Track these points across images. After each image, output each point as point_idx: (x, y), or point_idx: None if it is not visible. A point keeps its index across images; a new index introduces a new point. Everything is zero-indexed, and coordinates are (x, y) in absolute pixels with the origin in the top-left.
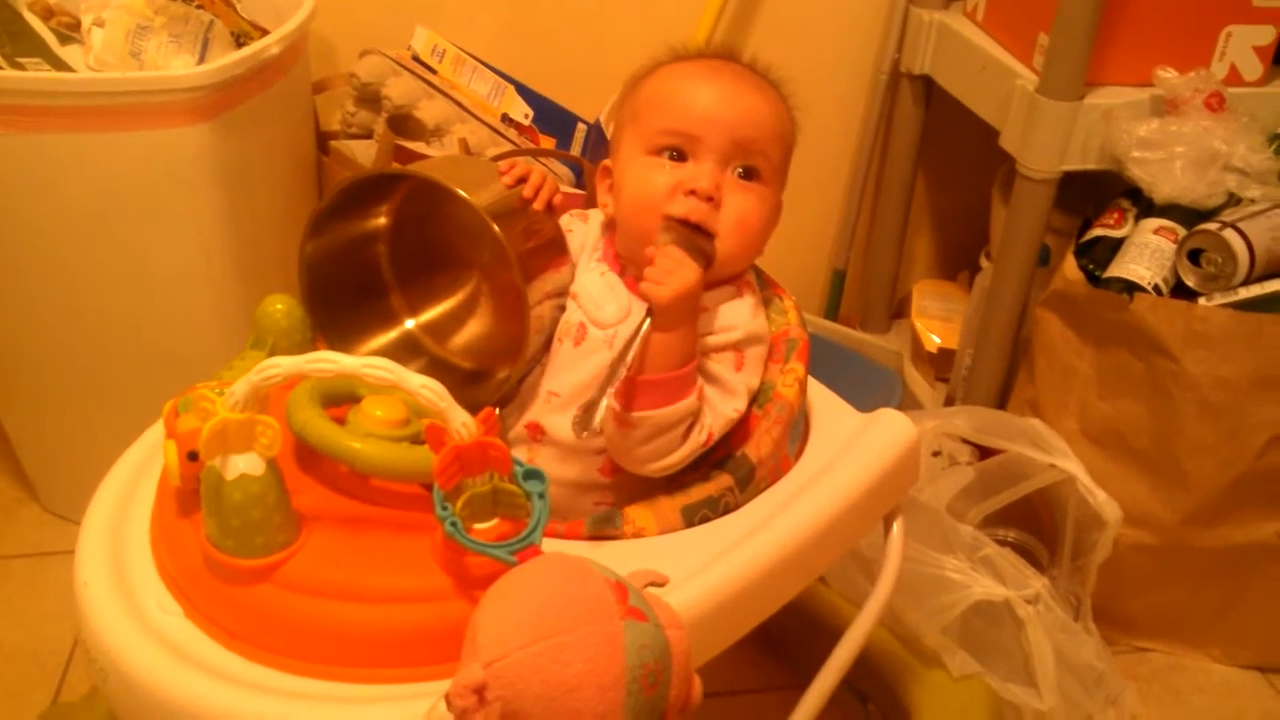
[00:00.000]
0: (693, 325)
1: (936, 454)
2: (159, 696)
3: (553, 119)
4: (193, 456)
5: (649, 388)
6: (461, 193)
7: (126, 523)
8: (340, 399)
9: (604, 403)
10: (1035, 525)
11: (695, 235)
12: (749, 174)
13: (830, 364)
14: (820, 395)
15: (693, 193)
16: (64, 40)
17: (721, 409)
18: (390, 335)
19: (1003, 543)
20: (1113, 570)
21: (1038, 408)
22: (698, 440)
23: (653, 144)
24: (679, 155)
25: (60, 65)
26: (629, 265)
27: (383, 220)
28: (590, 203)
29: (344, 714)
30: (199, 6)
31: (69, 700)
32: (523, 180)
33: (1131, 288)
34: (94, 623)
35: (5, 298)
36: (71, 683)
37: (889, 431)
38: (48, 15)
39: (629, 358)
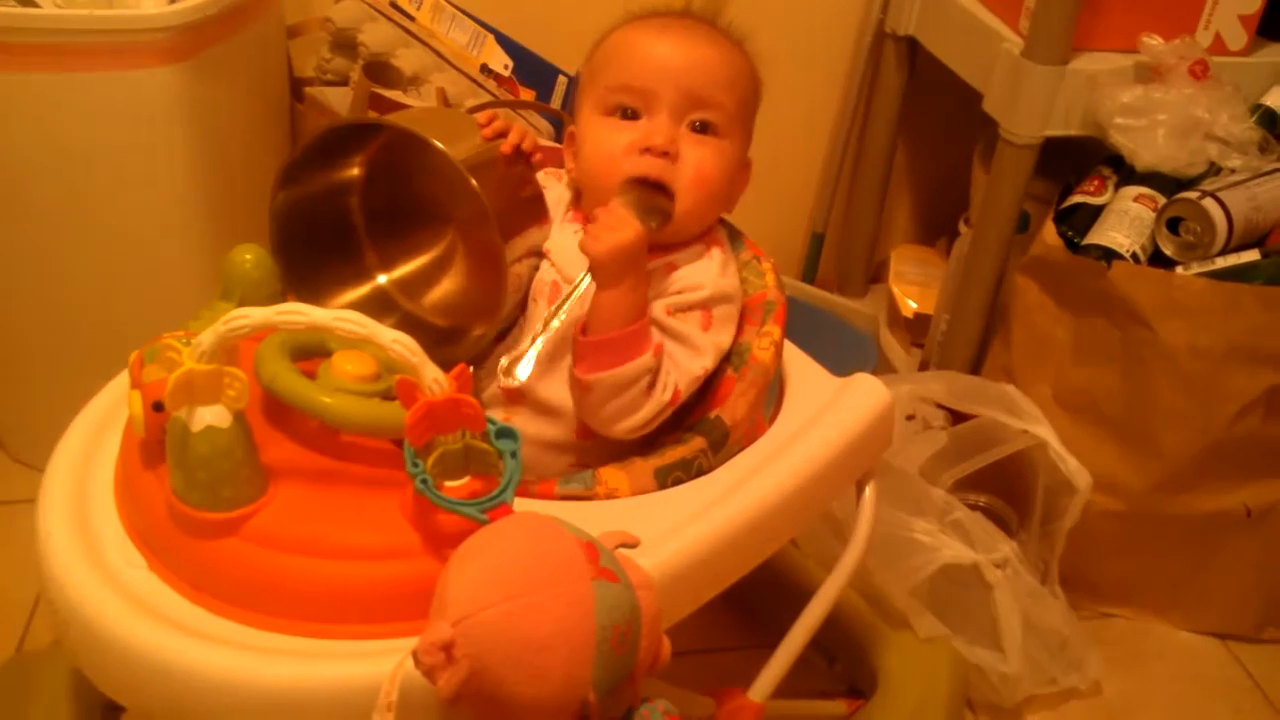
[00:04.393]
0: (638, 283)
1: (910, 418)
2: (121, 649)
3: (532, 70)
4: (158, 407)
5: (597, 348)
6: (439, 145)
7: (90, 473)
8: (310, 353)
9: (532, 354)
10: (1006, 490)
11: (653, 195)
12: (704, 127)
13: (806, 327)
14: (795, 359)
15: (648, 150)
16: None
17: (687, 366)
18: (362, 290)
19: (974, 507)
20: (1081, 536)
21: (1012, 374)
22: (662, 399)
23: (606, 103)
24: (632, 114)
25: (26, 1)
26: None
27: (356, 171)
28: None
29: (310, 669)
30: None
31: (33, 649)
32: (502, 135)
33: (1110, 255)
34: (56, 573)
35: None
36: (36, 632)
37: (863, 396)
38: None
39: (562, 312)
